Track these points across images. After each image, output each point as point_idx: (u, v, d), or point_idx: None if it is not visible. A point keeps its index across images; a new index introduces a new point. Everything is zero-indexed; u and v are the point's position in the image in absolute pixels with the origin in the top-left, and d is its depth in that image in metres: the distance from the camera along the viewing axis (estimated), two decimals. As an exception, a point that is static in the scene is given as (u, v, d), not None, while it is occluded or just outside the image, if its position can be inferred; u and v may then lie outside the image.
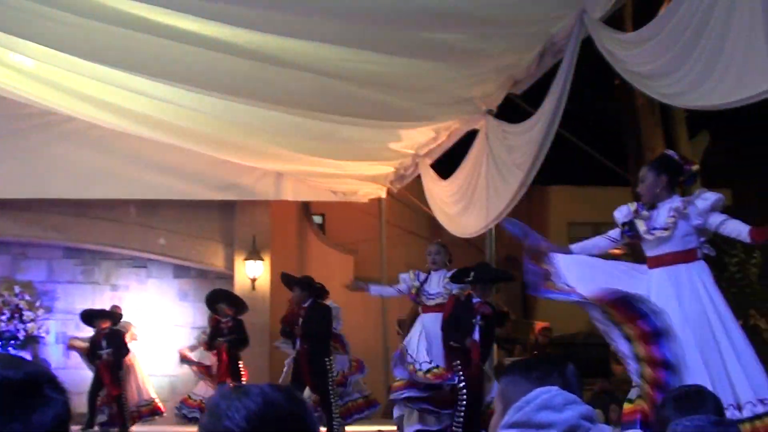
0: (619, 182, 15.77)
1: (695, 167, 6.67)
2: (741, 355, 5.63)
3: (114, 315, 13.70)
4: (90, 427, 13.05)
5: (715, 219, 5.99)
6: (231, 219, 16.71)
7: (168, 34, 9.00)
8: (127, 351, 13.37)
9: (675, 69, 7.12)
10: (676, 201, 6.22)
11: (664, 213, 6.21)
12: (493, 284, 9.71)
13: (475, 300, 9.12)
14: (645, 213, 6.32)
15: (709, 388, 4.47)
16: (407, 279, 9.99)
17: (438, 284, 9.81)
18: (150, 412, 13.83)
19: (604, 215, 18.36)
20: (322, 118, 11.14)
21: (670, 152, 7.04)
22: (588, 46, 8.32)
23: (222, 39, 8.97)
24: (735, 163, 18.06)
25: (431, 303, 9.80)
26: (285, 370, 11.67)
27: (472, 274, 9.21)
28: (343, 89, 10.14)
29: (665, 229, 6.09)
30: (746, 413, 5.28)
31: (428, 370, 9.28)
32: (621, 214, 6.50)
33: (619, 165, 13.25)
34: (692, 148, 15.06)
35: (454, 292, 9.58)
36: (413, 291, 9.91)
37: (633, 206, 6.49)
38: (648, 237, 6.21)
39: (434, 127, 11.88)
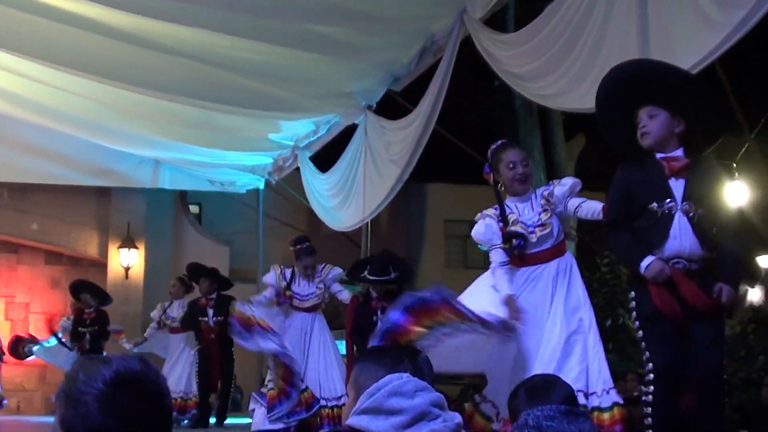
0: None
1: None
2: (596, 349, 5.35)
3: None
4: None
5: (573, 202, 5.59)
6: (106, 206, 16.45)
7: (42, 11, 8.75)
8: None
9: (551, 71, 7.24)
10: (536, 193, 5.71)
11: (529, 208, 5.66)
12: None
13: (374, 296, 8.99)
14: (513, 217, 5.61)
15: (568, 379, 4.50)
16: (273, 281, 9.53)
17: (308, 284, 9.53)
18: None
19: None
20: (202, 105, 11.00)
21: None
22: (470, 46, 8.40)
23: (100, 20, 8.76)
24: (609, 166, 18.44)
25: (306, 305, 9.51)
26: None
27: (393, 270, 8.95)
28: (223, 77, 10.02)
29: (544, 225, 5.56)
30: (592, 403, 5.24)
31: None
32: (490, 231, 5.64)
33: (496, 165, 13.40)
34: (568, 150, 15.38)
35: (342, 296, 9.52)
36: (286, 293, 9.44)
37: (488, 220, 5.68)
38: (531, 238, 5.55)
39: (314, 119, 11.86)
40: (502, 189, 5.74)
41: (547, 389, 3.21)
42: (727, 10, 5.22)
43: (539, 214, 5.60)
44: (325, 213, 12.21)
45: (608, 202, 4.96)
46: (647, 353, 4.46)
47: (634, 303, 4.61)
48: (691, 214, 4.45)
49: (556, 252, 5.61)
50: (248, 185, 15.37)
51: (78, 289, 12.64)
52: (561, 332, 5.34)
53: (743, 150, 12.84)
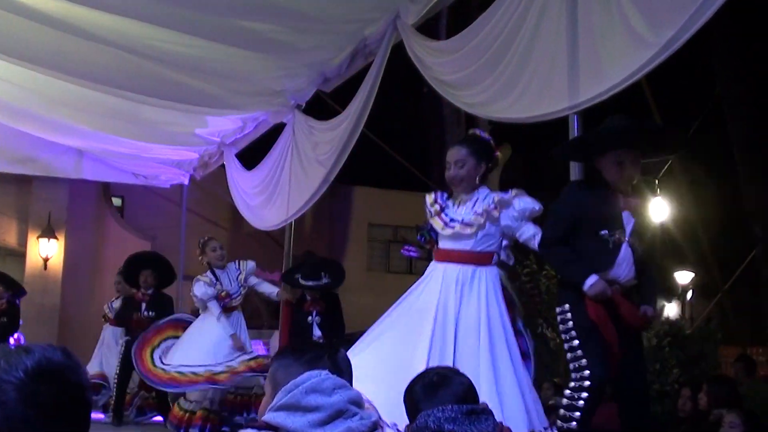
0: (420, 188, 16.08)
1: (499, 154, 6.32)
2: (516, 368, 5.32)
3: None
4: None
5: (528, 229, 5.60)
6: (26, 194, 16.17)
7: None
8: None
9: (480, 80, 7.29)
10: (488, 197, 5.70)
11: (470, 207, 5.70)
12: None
13: (308, 299, 9.19)
14: (436, 208, 5.79)
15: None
16: (207, 290, 9.46)
17: (231, 282, 9.57)
18: None
19: (404, 218, 18.83)
20: (128, 97, 10.83)
21: (484, 134, 6.35)
22: (401, 52, 8.42)
23: (26, 3, 8.59)
24: (534, 175, 18.70)
25: (234, 304, 9.58)
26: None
27: (325, 274, 9.12)
28: (151, 69, 9.89)
29: (469, 225, 5.58)
30: None
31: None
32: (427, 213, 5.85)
33: (422, 171, 13.51)
34: (493, 160, 15.49)
35: (262, 288, 9.52)
36: (222, 294, 9.46)
37: (431, 198, 5.91)
38: (445, 231, 5.66)
39: (242, 116, 11.80)
40: None
41: (446, 384, 3.15)
42: (656, 30, 5.30)
43: (472, 215, 5.62)
44: (249, 211, 12.14)
45: (554, 217, 5.19)
46: (584, 362, 4.73)
47: (569, 314, 4.89)
48: (636, 248, 4.94)
49: (475, 258, 5.60)
50: (172, 180, 15.21)
51: None
52: (483, 355, 5.26)
53: (665, 167, 13.11)
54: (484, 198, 5.71)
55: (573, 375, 4.81)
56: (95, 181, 15.79)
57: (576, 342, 4.80)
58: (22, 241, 16.16)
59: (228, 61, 9.56)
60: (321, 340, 8.64)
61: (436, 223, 5.72)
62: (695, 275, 20.62)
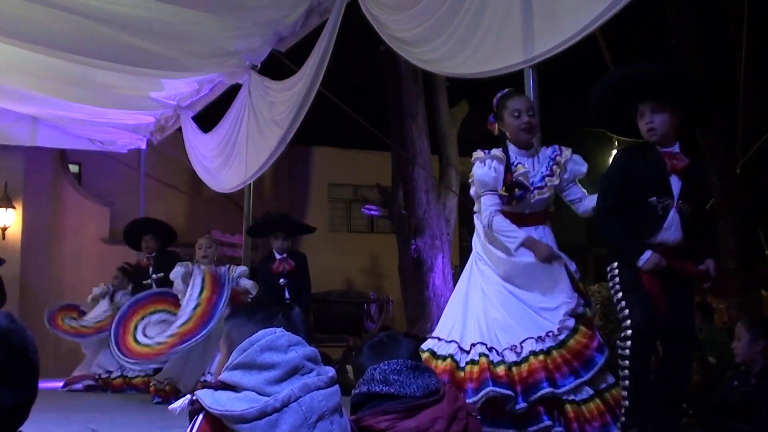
0: (379, 147, 16.06)
1: None
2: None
3: None
4: None
5: (576, 191, 5.61)
6: (-18, 164, 15.93)
7: None
8: None
9: (435, 36, 7.28)
10: (545, 153, 5.58)
11: (534, 165, 5.53)
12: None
13: (279, 257, 9.07)
14: (521, 168, 5.45)
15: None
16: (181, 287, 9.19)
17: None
18: None
19: (364, 177, 18.82)
20: (81, 61, 10.68)
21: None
22: (356, 10, 8.37)
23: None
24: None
25: None
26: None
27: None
28: (103, 33, 9.75)
29: (545, 188, 5.46)
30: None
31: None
32: (496, 173, 5.43)
33: (380, 130, 13.47)
34: (452, 117, 15.48)
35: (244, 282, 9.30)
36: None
37: (495, 163, 5.45)
38: (532, 197, 5.46)
39: (197, 78, 11.69)
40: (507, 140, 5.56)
41: (393, 345, 3.21)
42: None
43: (545, 177, 5.48)
44: (207, 174, 12.08)
45: (604, 187, 5.16)
46: (626, 313, 4.82)
47: (616, 271, 4.96)
48: (683, 211, 4.89)
49: (543, 219, 5.57)
50: (129, 145, 15.08)
51: None
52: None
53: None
54: (542, 155, 5.57)
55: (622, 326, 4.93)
56: (51, 148, 15.64)
57: (620, 294, 4.90)
58: (-22, 212, 15.98)
59: (180, 22, 9.46)
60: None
61: (525, 179, 5.41)
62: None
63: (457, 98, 15.90)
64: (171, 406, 2.66)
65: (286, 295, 8.88)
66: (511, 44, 6.42)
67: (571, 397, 4.95)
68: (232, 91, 11.32)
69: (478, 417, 3.20)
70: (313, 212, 19.31)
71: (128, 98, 12.54)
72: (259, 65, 10.54)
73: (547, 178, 5.44)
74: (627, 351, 4.78)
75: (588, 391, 4.99)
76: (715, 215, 11.35)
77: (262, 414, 2.46)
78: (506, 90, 5.66)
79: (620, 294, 4.91)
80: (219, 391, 2.55)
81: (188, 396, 2.59)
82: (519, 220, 5.41)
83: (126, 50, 10.25)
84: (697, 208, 5.02)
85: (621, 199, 4.99)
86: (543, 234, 5.48)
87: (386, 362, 3.03)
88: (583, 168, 5.61)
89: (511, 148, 5.52)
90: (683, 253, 4.94)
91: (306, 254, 9.57)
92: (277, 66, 10.55)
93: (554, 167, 5.48)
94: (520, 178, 5.37)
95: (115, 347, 8.86)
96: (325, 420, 2.54)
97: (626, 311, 4.82)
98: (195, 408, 2.55)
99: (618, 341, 4.92)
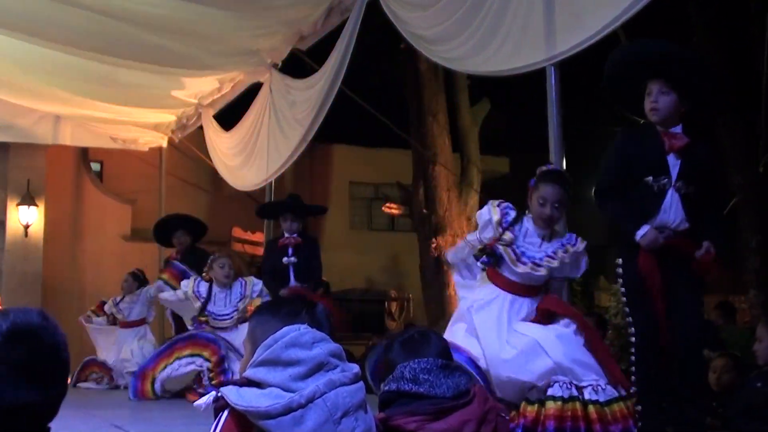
0: (399, 145, 16.07)
1: None
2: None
3: None
4: None
5: (554, 283, 5.30)
6: (5, 162, 15.98)
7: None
8: None
9: (457, 34, 7.28)
10: (562, 240, 5.25)
11: (540, 242, 5.24)
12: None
13: (285, 234, 8.63)
14: (509, 236, 5.17)
15: None
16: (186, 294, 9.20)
17: (225, 303, 9.07)
18: None
19: (385, 176, 18.81)
20: (104, 60, 10.73)
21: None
22: (377, 7, 8.38)
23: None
24: (513, 131, 18.67)
25: (220, 326, 9.07)
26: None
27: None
28: (126, 32, 9.79)
29: (537, 266, 5.12)
30: None
31: None
32: (489, 221, 5.25)
33: (401, 128, 13.47)
34: (473, 115, 15.46)
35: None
36: (200, 318, 9.09)
37: (498, 213, 5.25)
38: (518, 267, 5.12)
39: (219, 77, 11.72)
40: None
41: (423, 342, 3.21)
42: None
43: (546, 257, 5.17)
44: (228, 172, 12.11)
45: (603, 166, 5.16)
46: (629, 320, 4.88)
47: (621, 270, 4.99)
48: (682, 192, 4.82)
49: (534, 291, 5.21)
50: (151, 143, 15.14)
51: None
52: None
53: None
54: (556, 239, 5.28)
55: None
56: (73, 146, 15.70)
57: (624, 298, 4.96)
58: (1, 209, 16.04)
59: (203, 21, 9.48)
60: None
61: (507, 252, 5.14)
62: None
63: (478, 96, 15.88)
64: (196, 403, 2.67)
65: (291, 275, 8.42)
66: (533, 42, 6.42)
67: (594, 398, 4.90)
68: (254, 90, 11.33)
69: (507, 417, 3.20)
70: (333, 210, 19.31)
71: (150, 97, 12.58)
72: (280, 64, 10.55)
73: (547, 259, 5.14)
74: (633, 357, 4.90)
75: (612, 392, 4.90)
76: (737, 213, 11.32)
77: (287, 410, 2.47)
78: (548, 168, 5.42)
79: (625, 298, 4.98)
80: (244, 388, 2.56)
81: (213, 392, 2.60)
82: (503, 282, 5.19)
83: (148, 49, 10.29)
84: (705, 193, 4.90)
85: (617, 179, 4.97)
86: (521, 306, 5.15)
87: (416, 360, 3.02)
88: (578, 274, 5.34)
89: (529, 218, 5.30)
90: (687, 238, 4.85)
91: (326, 252, 9.41)
92: (298, 64, 10.57)
93: (560, 252, 5.16)
94: (500, 245, 5.14)
95: (133, 376, 9.17)
96: (350, 416, 2.54)
97: (629, 318, 4.89)
98: (220, 404, 2.56)
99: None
